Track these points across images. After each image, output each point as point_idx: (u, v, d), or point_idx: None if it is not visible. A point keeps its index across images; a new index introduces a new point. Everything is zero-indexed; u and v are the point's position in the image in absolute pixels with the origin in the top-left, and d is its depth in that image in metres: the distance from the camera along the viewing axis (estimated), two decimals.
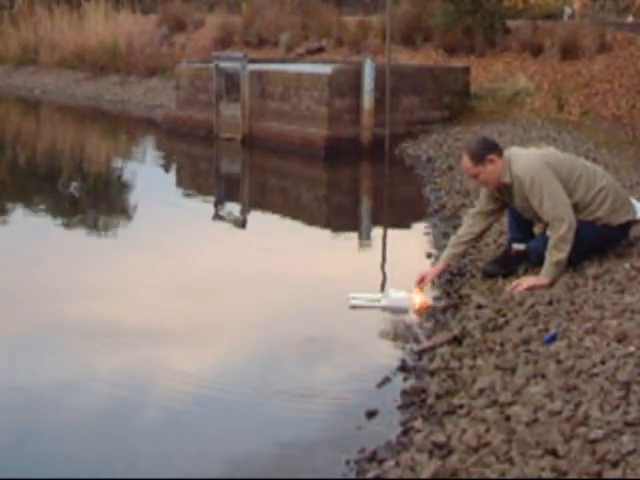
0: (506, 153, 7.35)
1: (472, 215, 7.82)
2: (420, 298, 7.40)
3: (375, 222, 12.24)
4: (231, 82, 17.36)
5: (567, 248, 7.02)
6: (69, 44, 31.60)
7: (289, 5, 30.17)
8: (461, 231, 7.82)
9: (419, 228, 10.59)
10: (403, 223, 11.49)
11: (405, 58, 20.37)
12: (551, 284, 7.01)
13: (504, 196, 7.51)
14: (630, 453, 4.16)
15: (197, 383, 6.36)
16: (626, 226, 7.49)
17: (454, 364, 5.92)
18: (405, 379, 6.00)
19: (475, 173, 7.44)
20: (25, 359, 6.75)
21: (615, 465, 4.09)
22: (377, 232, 11.36)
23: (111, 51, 29.19)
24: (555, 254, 7.05)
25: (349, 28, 25.84)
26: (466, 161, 7.45)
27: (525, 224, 7.72)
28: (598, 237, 7.34)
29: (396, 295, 7.51)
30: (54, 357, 6.88)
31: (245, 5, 31.66)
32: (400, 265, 9.20)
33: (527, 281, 7.13)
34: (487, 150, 7.35)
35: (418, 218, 10.97)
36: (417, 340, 6.71)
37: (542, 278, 7.06)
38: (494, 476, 4.18)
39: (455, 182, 11.95)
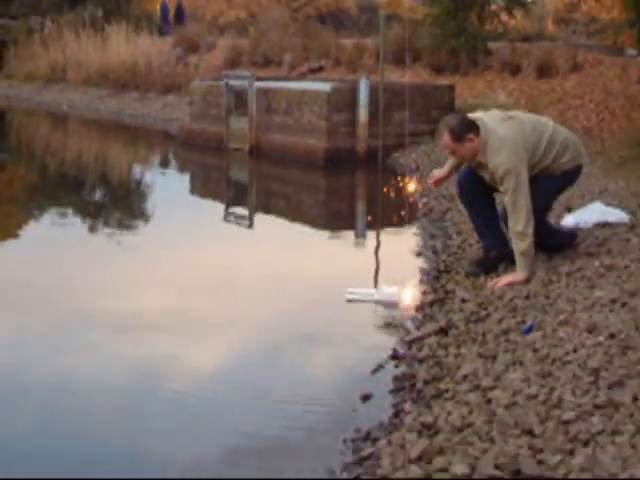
0: (483, 132, 7.20)
1: None
2: (408, 293, 7.40)
3: (369, 224, 12.23)
4: (239, 98, 17.36)
5: (528, 239, 7.01)
6: (94, 64, 31.64)
7: (292, 28, 30.21)
8: None
9: (409, 229, 10.58)
10: (395, 225, 11.47)
11: (396, 76, 20.31)
12: (528, 279, 7.00)
13: (477, 167, 7.45)
14: (599, 433, 4.16)
15: (206, 366, 6.37)
16: (580, 167, 7.57)
17: (440, 352, 5.91)
18: (396, 366, 6.00)
19: (454, 149, 7.40)
20: (60, 345, 6.76)
21: (586, 444, 4.09)
22: (371, 233, 11.38)
23: (131, 70, 29.22)
24: (519, 245, 7.05)
25: (346, 49, 25.89)
26: (446, 138, 7.36)
27: (496, 229, 7.66)
28: (560, 185, 7.48)
29: (388, 290, 7.50)
30: (84, 341, 6.90)
31: (252, 29, 31.63)
32: (392, 263, 9.20)
33: (506, 278, 7.13)
34: (467, 129, 7.24)
35: (408, 220, 10.95)
36: (407, 331, 6.71)
37: (518, 274, 7.06)
38: (476, 454, 4.16)
39: (442, 188, 11.91)
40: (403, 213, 11.65)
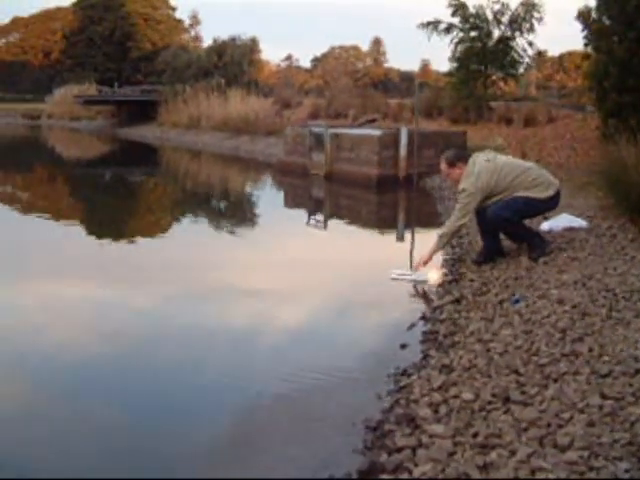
0: (470, 163, 7.25)
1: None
2: (434, 275, 7.38)
3: (407, 226, 12.21)
4: (318, 140, 17.38)
5: (450, 226, 7.30)
6: (219, 116, 31.86)
7: (354, 92, 30.25)
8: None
9: (434, 231, 10.51)
10: (424, 227, 11.43)
11: (425, 125, 20.22)
12: (428, 260, 7.47)
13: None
14: (565, 373, 4.14)
15: (292, 320, 6.43)
16: (554, 198, 7.32)
17: (455, 316, 5.91)
18: (425, 324, 6.00)
19: (447, 173, 7.48)
20: (187, 308, 6.87)
21: (556, 380, 4.08)
22: (408, 232, 11.35)
23: (244, 120, 29.38)
24: (440, 234, 7.42)
25: (391, 106, 25.87)
26: (443, 165, 7.44)
27: (491, 235, 7.54)
28: (532, 206, 7.20)
29: (419, 272, 7.50)
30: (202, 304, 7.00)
31: (327, 92, 31.73)
32: (422, 253, 9.18)
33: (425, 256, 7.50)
34: (457, 159, 7.34)
35: (434, 225, 10.89)
36: (432, 300, 6.70)
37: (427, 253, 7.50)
38: (479, 385, 4.16)
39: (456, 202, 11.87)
40: (430, 219, 11.60)
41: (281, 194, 17.32)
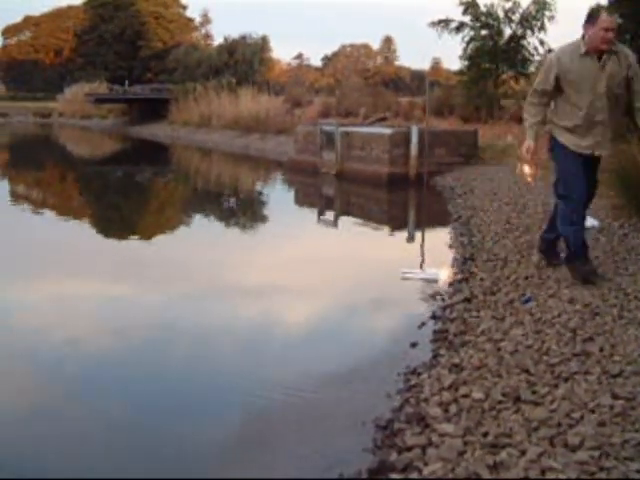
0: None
1: (539, 95, 6.11)
2: (444, 273, 7.38)
3: (417, 225, 12.20)
4: (329, 138, 17.37)
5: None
6: (229, 114, 31.87)
7: (365, 91, 30.21)
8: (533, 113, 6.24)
9: (444, 229, 10.51)
10: (435, 226, 11.43)
11: (436, 124, 20.19)
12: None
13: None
14: (576, 373, 4.13)
15: (306, 315, 6.45)
16: None
17: (466, 315, 5.89)
18: (435, 323, 5.98)
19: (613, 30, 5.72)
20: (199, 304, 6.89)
21: (566, 380, 4.07)
22: (418, 231, 11.34)
23: (255, 118, 29.40)
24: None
25: (402, 105, 25.82)
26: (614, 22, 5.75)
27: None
28: None
29: (430, 271, 7.50)
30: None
31: (337, 91, 31.72)
32: (433, 252, 9.18)
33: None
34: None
35: (444, 223, 10.89)
36: (443, 299, 6.69)
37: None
38: (489, 385, 4.16)
39: (467, 201, 11.86)
40: (440, 218, 11.59)
41: (292, 192, 17.35)
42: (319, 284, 7.85)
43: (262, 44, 44.60)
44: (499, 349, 4.76)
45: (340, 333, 6.16)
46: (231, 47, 43.35)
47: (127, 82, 50.51)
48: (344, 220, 12.53)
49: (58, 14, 79.38)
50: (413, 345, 5.50)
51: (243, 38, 43.96)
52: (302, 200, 15.85)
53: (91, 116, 49.17)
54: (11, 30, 79.92)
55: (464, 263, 7.82)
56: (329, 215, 13.13)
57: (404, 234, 11.33)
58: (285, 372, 5.11)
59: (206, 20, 74.47)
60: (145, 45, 65.89)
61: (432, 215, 12.70)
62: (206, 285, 7.74)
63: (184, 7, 73.03)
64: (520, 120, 20.28)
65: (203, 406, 4.69)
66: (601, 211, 9.13)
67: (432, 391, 4.29)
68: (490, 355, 4.67)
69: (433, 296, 6.94)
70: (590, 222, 8.27)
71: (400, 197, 15.32)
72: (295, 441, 4.13)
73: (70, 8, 77.41)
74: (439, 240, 9.83)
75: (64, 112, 53.42)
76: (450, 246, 9.11)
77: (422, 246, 9.85)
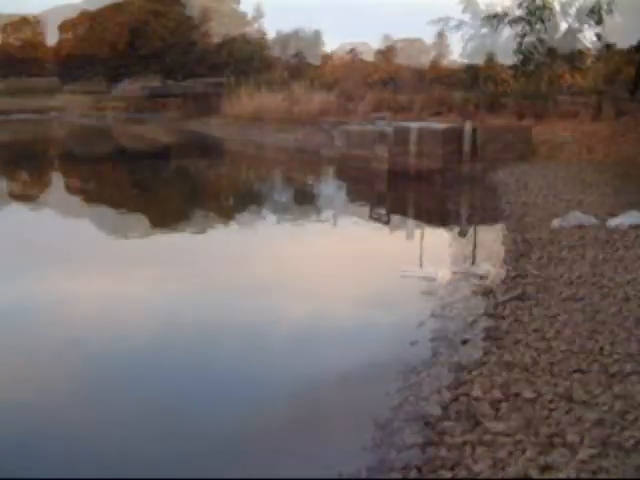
0: None
1: None
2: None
3: (470, 221, 12.16)
4: (381, 133, 17.34)
5: None
6: (281, 108, 31.73)
7: (419, 86, 30.12)
8: None
9: (497, 225, 10.43)
10: (487, 222, 11.36)
11: (490, 119, 19.99)
12: None
13: None
14: (630, 374, 4.09)
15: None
16: None
17: (518, 312, 5.86)
18: (487, 321, 5.95)
19: None
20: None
21: (620, 381, 4.03)
22: (471, 227, 11.31)
23: (306, 113, 29.34)
24: None
25: (456, 100, 25.62)
26: None
27: None
28: None
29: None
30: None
31: (391, 85, 31.64)
32: (485, 248, 9.15)
33: None
34: None
35: (496, 219, 10.80)
36: (495, 297, 6.64)
37: None
38: (540, 383, 4.13)
39: (520, 197, 11.75)
40: (492, 214, 11.51)
41: (344, 187, 17.35)
42: (362, 273, 7.88)
43: (315, 38, 44.65)
44: (551, 348, 4.73)
45: (391, 331, 6.16)
46: (284, 41, 43.49)
47: (180, 76, 50.93)
48: (396, 217, 12.61)
49: (113, 9, 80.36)
50: (464, 342, 5.48)
51: (296, 32, 44.06)
52: (353, 195, 15.79)
53: (144, 110, 49.64)
54: (67, 25, 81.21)
55: (517, 259, 7.76)
56: (381, 210, 13.16)
57: (455, 229, 11.31)
58: (331, 363, 5.17)
59: (259, 14, 74.80)
60: (199, 40, 66.38)
61: (484, 211, 12.61)
62: (252, 274, 7.84)
63: (237, 1, 73.43)
64: (575, 115, 20.10)
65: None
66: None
67: (483, 389, 4.27)
68: (542, 354, 4.64)
69: (486, 293, 6.88)
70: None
71: (452, 193, 15.22)
72: (341, 434, 4.17)
73: (126, 2, 78.32)
74: (491, 236, 9.78)
75: (118, 106, 54.06)
76: (502, 242, 9.04)
77: (474, 241, 9.80)
